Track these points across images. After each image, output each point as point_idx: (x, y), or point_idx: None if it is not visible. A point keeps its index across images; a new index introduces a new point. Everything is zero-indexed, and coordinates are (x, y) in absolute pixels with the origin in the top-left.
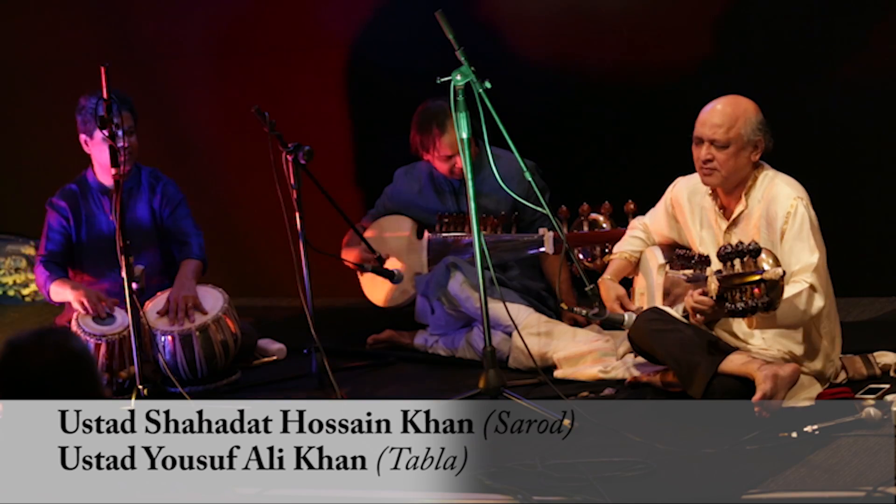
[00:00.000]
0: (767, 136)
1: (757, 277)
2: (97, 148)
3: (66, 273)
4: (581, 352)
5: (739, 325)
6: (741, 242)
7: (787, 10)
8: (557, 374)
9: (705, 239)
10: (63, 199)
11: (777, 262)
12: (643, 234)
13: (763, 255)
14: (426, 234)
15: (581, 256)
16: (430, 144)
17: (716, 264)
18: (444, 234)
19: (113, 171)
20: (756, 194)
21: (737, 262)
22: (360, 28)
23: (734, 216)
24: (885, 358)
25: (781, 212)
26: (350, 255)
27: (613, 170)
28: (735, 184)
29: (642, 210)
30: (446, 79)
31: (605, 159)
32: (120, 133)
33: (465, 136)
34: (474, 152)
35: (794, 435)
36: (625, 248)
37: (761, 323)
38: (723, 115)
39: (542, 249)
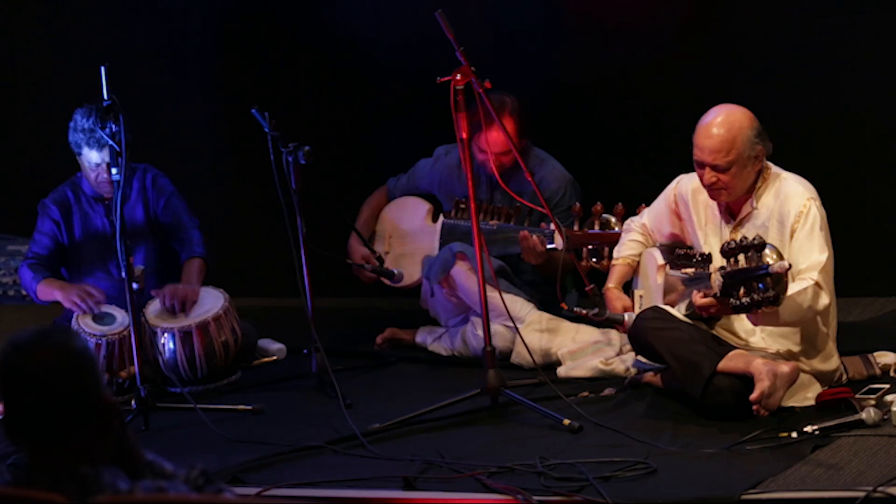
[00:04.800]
0: (766, 142)
1: (762, 271)
2: (85, 168)
3: (52, 274)
4: (583, 346)
5: (741, 324)
6: (745, 237)
7: (791, 6)
8: (560, 371)
9: (710, 237)
10: (55, 202)
11: (781, 257)
12: (641, 236)
13: (767, 250)
14: (441, 217)
15: (593, 260)
16: (479, 132)
17: (718, 262)
18: (458, 221)
19: (113, 170)
20: (766, 195)
21: (741, 257)
22: (362, 26)
23: (741, 217)
24: (885, 358)
25: (794, 210)
26: (350, 255)
27: (629, 172)
28: (743, 192)
29: None
30: (446, 78)
31: (622, 162)
32: (114, 131)
33: (464, 136)
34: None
35: (794, 435)
36: (625, 252)
37: (765, 319)
38: (719, 139)
39: (551, 246)
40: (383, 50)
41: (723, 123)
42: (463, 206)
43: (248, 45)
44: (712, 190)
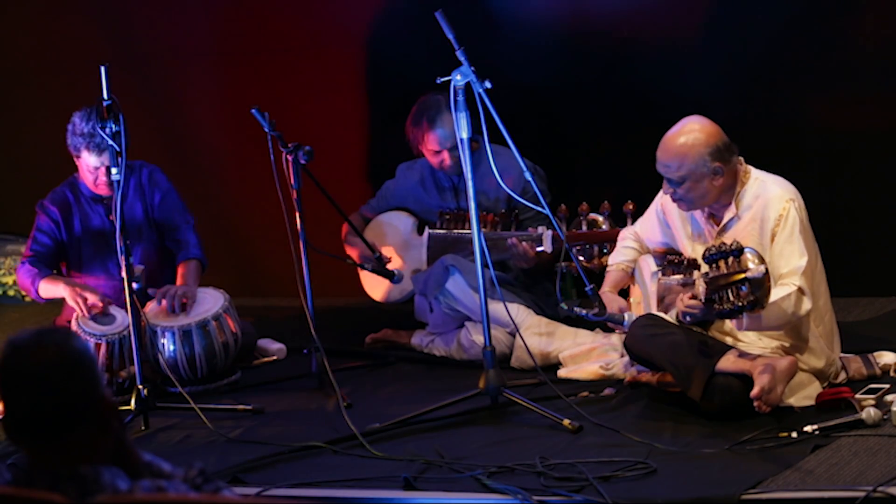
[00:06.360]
0: (728, 156)
1: (741, 276)
2: (83, 170)
3: (54, 271)
4: (584, 350)
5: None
6: (724, 243)
7: (783, 10)
8: (561, 372)
9: (696, 244)
10: (54, 203)
11: (761, 261)
12: (635, 243)
13: (747, 255)
14: (427, 230)
15: (581, 258)
16: (421, 138)
17: (703, 268)
18: (445, 231)
19: (113, 170)
20: (746, 199)
21: (721, 263)
22: (368, 25)
23: (724, 222)
24: (885, 358)
25: (773, 214)
26: (350, 253)
27: (613, 170)
28: (713, 202)
29: (641, 210)
30: (446, 78)
31: (604, 159)
32: (114, 131)
33: (465, 136)
34: (472, 148)
35: (794, 435)
36: (619, 259)
37: (749, 324)
38: (670, 154)
39: (540, 249)
40: (393, 47)
41: (676, 137)
42: (447, 216)
43: (254, 43)
44: (673, 200)
